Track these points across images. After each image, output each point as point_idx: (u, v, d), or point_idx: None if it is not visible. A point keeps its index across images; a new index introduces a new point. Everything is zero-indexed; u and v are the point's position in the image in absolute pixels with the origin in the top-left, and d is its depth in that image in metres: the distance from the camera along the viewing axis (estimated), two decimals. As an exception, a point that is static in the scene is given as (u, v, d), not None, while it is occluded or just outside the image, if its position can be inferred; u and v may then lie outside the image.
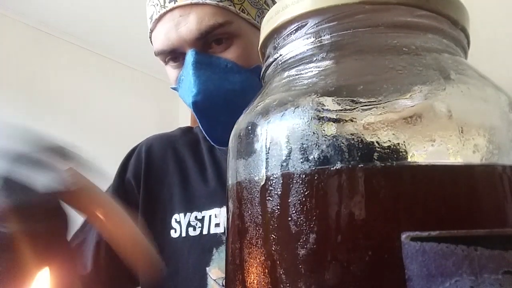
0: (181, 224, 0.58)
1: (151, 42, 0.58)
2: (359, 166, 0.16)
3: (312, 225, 0.17)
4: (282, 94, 0.22)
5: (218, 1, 0.52)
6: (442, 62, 0.21)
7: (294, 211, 0.18)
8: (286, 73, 0.23)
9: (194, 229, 0.57)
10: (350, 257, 0.15)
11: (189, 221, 0.57)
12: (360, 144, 0.17)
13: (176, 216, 0.59)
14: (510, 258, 0.14)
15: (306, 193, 0.17)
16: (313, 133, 0.18)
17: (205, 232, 0.56)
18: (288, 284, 0.17)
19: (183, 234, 0.57)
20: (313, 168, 0.18)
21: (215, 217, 0.56)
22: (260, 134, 0.21)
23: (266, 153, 0.20)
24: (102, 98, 2.73)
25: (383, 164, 0.16)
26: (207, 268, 0.55)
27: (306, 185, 0.18)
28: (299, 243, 0.17)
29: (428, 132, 0.17)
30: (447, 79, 0.19)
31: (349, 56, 0.22)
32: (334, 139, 0.18)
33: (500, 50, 1.29)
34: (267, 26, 0.24)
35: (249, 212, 0.20)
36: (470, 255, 0.14)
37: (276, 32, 0.24)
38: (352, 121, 0.18)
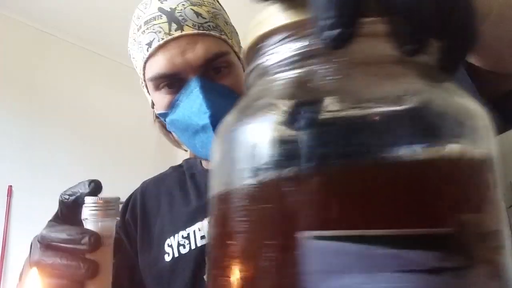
0: (172, 246, 0.64)
1: (143, 67, 0.61)
2: (274, 174, 0.18)
3: (243, 227, 0.19)
4: (257, 101, 0.22)
5: (220, 34, 0.59)
6: (426, 71, 0.21)
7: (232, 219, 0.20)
8: (264, 80, 0.24)
9: (184, 247, 0.62)
10: (263, 254, 0.17)
11: (178, 242, 0.63)
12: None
13: (168, 240, 0.65)
14: (407, 257, 0.15)
15: (238, 204, 0.19)
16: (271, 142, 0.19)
17: (193, 247, 0.61)
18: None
19: (176, 255, 0.63)
20: (245, 182, 0.19)
21: (199, 230, 0.62)
22: (234, 140, 0.21)
23: (230, 162, 0.21)
24: (102, 98, 2.73)
25: (291, 174, 0.17)
26: (205, 277, 0.60)
27: (240, 196, 0.20)
28: (230, 243, 0.19)
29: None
30: (430, 87, 0.20)
31: (329, 63, 0.22)
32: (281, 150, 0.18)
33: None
34: (252, 33, 0.24)
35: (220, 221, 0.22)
36: (364, 254, 0.15)
37: (260, 40, 0.24)
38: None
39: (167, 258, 0.63)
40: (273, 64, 0.24)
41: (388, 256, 0.14)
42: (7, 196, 2.22)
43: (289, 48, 0.23)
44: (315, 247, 0.15)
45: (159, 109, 0.62)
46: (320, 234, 0.15)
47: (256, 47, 0.25)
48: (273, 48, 0.23)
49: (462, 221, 0.15)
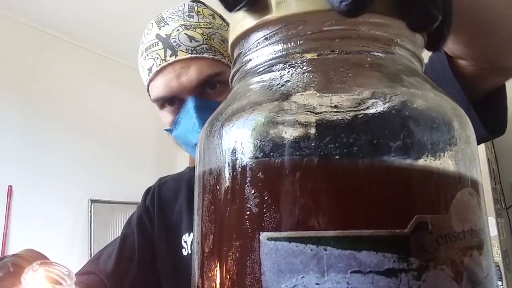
0: (187, 243, 0.69)
1: (148, 90, 0.69)
2: (241, 175, 0.18)
3: (212, 227, 0.20)
4: (243, 101, 0.22)
5: (213, 56, 0.63)
6: (399, 72, 0.21)
7: (205, 213, 0.21)
8: (249, 80, 0.24)
9: None
10: (225, 253, 0.18)
11: (192, 240, 0.68)
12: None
13: (184, 236, 0.70)
14: (362, 258, 0.15)
15: (208, 199, 0.20)
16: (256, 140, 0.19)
17: None
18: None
19: (189, 251, 0.68)
20: (213, 182, 0.20)
21: None
22: (220, 138, 0.21)
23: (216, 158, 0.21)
24: (102, 98, 2.74)
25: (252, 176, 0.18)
26: None
27: (208, 196, 0.20)
28: (205, 242, 0.20)
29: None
30: (403, 87, 0.20)
31: (311, 63, 0.22)
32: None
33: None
34: (233, 32, 0.25)
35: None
36: (318, 254, 0.15)
37: (242, 38, 0.24)
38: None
39: (184, 253, 0.68)
40: (253, 66, 0.24)
41: (344, 257, 0.15)
42: (7, 196, 2.23)
43: (268, 51, 0.23)
44: (272, 248, 0.16)
45: (166, 126, 0.68)
46: (275, 235, 0.16)
47: (238, 49, 0.25)
48: (253, 52, 0.24)
49: (419, 222, 0.15)
